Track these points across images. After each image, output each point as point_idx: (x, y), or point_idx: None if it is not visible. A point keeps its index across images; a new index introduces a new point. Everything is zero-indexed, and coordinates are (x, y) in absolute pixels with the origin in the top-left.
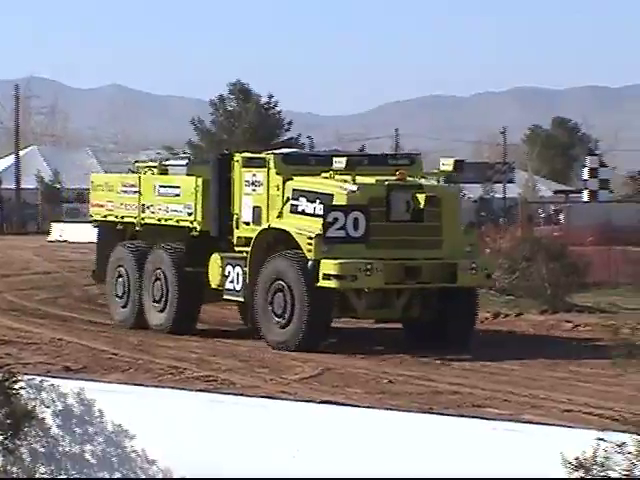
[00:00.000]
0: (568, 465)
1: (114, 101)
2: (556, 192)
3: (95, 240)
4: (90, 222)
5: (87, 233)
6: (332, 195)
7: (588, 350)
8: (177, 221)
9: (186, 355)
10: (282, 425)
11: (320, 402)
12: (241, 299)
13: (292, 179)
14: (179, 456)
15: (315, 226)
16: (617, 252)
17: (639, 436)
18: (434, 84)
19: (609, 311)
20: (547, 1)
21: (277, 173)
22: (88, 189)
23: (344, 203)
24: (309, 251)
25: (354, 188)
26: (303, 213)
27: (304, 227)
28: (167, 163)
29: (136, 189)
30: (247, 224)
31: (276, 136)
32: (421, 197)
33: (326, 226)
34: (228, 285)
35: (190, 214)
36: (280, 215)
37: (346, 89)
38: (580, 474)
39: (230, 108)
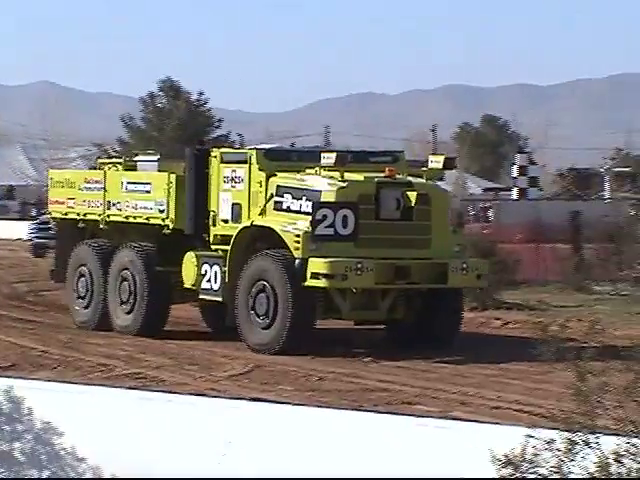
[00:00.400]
0: (497, 462)
1: (45, 98)
2: (486, 190)
3: (55, 238)
4: (17, 219)
5: (15, 230)
6: (320, 191)
7: (517, 347)
8: (147, 219)
9: (115, 352)
10: (211, 422)
11: (250, 399)
12: (219, 299)
13: (276, 175)
14: (109, 454)
15: (302, 224)
16: (546, 250)
17: (567, 433)
18: (364, 82)
19: (538, 308)
20: (477, 0)
21: (260, 169)
22: (15, 186)
23: (333, 200)
24: (296, 249)
25: (343, 184)
26: (288, 210)
27: (290, 225)
28: (136, 159)
29: (101, 185)
30: (225, 222)
31: (206, 133)
32: (412, 195)
33: (315, 223)
34: (205, 285)
35: (162, 211)
36: (263, 212)
37: (277, 87)
38: (509, 471)
39: (160, 105)
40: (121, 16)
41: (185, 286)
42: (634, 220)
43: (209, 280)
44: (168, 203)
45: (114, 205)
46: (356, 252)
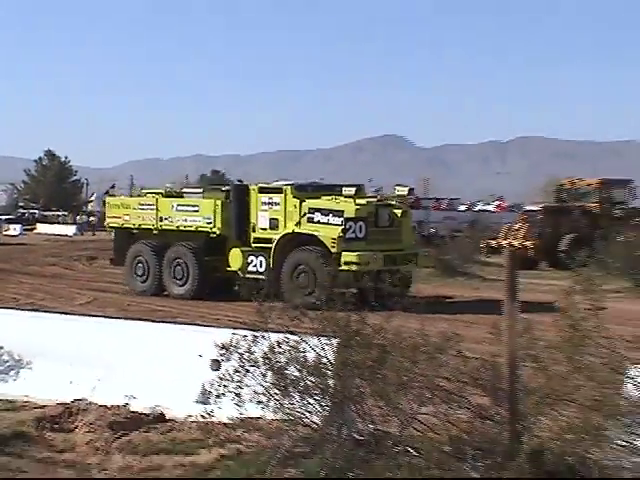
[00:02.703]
0: (217, 346)
1: None
2: None
3: (113, 239)
4: None
5: None
6: (343, 210)
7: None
8: (196, 228)
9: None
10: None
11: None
12: (264, 277)
13: (305, 200)
14: None
15: (332, 231)
16: None
17: (254, 331)
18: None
19: None
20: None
21: (294, 197)
22: None
23: (353, 215)
24: (332, 247)
25: (358, 206)
26: (318, 222)
27: (322, 231)
28: (183, 191)
29: (153, 207)
30: (264, 229)
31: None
32: (398, 212)
33: (345, 230)
34: (251, 269)
35: (209, 223)
36: (298, 224)
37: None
38: (223, 351)
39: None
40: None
41: (231, 270)
42: None
43: (255, 266)
44: (214, 218)
45: (165, 219)
46: (366, 248)
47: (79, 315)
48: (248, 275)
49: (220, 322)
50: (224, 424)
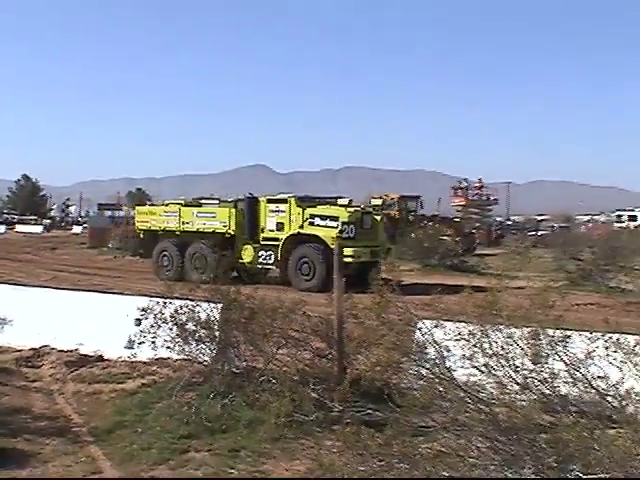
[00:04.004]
0: (138, 309)
1: None
2: None
3: (141, 238)
4: None
5: None
6: (338, 216)
7: None
8: (213, 230)
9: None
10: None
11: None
12: (273, 267)
13: (306, 209)
14: None
15: (330, 232)
16: None
17: (164, 298)
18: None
19: None
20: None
21: (297, 206)
22: None
23: (347, 220)
24: (332, 243)
25: (350, 213)
26: (318, 226)
27: (322, 232)
28: (201, 201)
29: (176, 213)
30: (271, 231)
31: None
32: (377, 217)
33: (341, 231)
34: (262, 261)
35: (225, 226)
36: (301, 227)
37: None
38: (143, 313)
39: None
40: None
41: (243, 262)
42: None
43: (265, 259)
44: (229, 222)
45: (187, 223)
46: (355, 244)
47: (45, 287)
48: (258, 265)
49: (141, 292)
50: (144, 362)
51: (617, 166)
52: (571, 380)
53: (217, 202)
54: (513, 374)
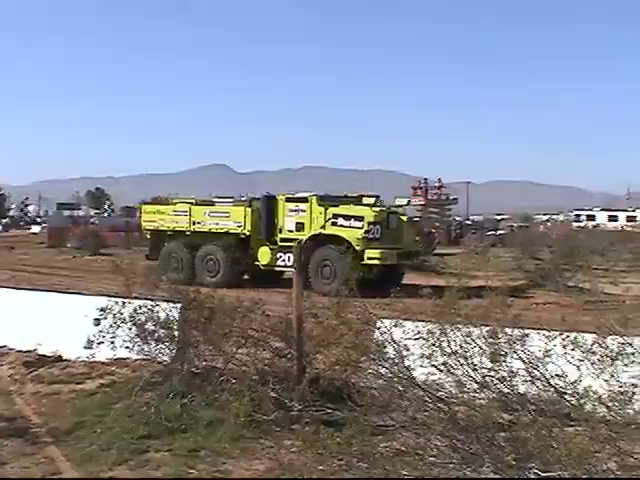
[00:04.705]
0: (97, 309)
1: None
2: None
3: (148, 238)
4: None
5: None
6: (364, 216)
7: None
8: (227, 230)
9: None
10: None
11: None
12: (293, 269)
13: (328, 208)
14: None
15: (355, 232)
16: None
17: (123, 298)
18: None
19: None
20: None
21: (319, 205)
22: None
23: (373, 220)
24: (357, 245)
25: (376, 212)
26: (341, 226)
27: (345, 233)
28: (214, 200)
29: (187, 212)
30: (290, 231)
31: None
32: (404, 217)
33: (367, 232)
34: (280, 263)
35: (240, 226)
36: (323, 227)
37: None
38: (102, 313)
39: None
40: None
41: (260, 264)
42: None
43: (283, 260)
44: (245, 222)
45: (198, 223)
46: (380, 246)
47: (3, 287)
48: (277, 268)
49: (100, 292)
50: (103, 363)
51: (575, 167)
52: (529, 378)
53: (231, 201)
54: (472, 373)
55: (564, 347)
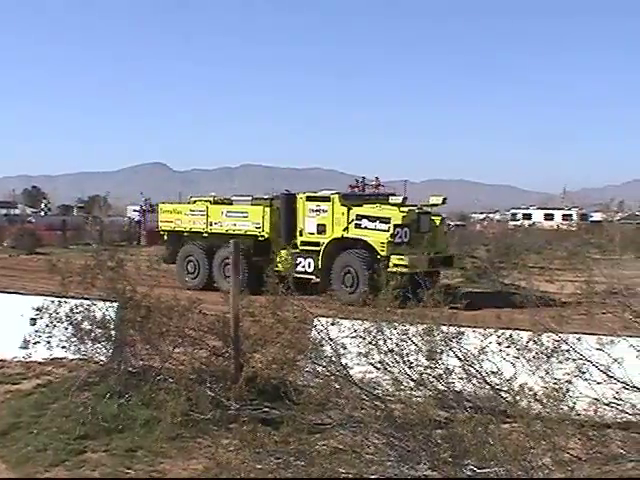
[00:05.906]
0: (33, 308)
1: None
2: None
3: (165, 239)
4: None
5: None
6: (390, 218)
7: None
8: (245, 231)
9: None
10: None
11: None
12: (313, 277)
13: (352, 208)
14: None
15: (380, 236)
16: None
17: (59, 297)
18: None
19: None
20: None
21: (342, 205)
22: None
23: (400, 222)
24: (382, 250)
25: (404, 214)
26: (365, 228)
27: (369, 236)
28: (232, 199)
29: (204, 212)
30: (311, 234)
31: None
32: (437, 219)
33: (393, 235)
34: (299, 269)
35: (258, 228)
36: (346, 229)
37: None
38: (38, 313)
39: None
40: None
41: (278, 269)
42: None
43: (303, 266)
44: (263, 223)
45: (215, 223)
46: (410, 251)
47: None
48: (296, 275)
49: (37, 291)
50: (39, 362)
51: (511, 165)
52: (465, 376)
53: (249, 199)
54: (408, 371)
55: (500, 344)
